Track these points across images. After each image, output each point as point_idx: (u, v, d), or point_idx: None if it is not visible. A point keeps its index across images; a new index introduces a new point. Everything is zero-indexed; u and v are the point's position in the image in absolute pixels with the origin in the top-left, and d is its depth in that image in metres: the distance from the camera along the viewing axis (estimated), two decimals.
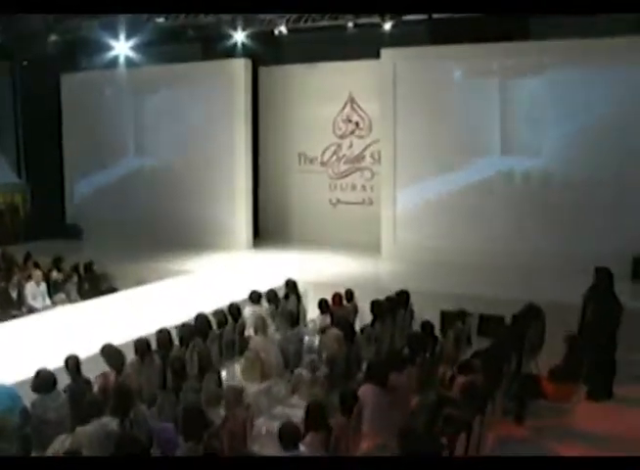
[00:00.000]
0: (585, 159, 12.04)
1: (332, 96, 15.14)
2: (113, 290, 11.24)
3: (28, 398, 5.81)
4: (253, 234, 15.21)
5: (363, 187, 15.27)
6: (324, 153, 15.52)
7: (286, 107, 15.59)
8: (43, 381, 5.79)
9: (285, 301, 9.46)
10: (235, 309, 8.35)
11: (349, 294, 9.53)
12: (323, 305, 8.87)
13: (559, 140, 12.23)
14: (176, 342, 7.35)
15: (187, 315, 8.88)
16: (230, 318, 8.21)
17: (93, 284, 11.28)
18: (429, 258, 12.93)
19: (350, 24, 13.44)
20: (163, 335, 7.13)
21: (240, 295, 10.15)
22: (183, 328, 7.64)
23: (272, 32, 13.97)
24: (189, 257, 13.56)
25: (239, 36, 13.91)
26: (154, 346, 7.05)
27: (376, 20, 13.32)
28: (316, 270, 12.29)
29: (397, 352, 7.10)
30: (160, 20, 14.36)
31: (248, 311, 8.87)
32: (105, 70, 14.90)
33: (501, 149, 12.80)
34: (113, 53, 14.32)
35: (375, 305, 8.55)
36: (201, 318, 7.77)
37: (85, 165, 16.11)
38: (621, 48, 11.58)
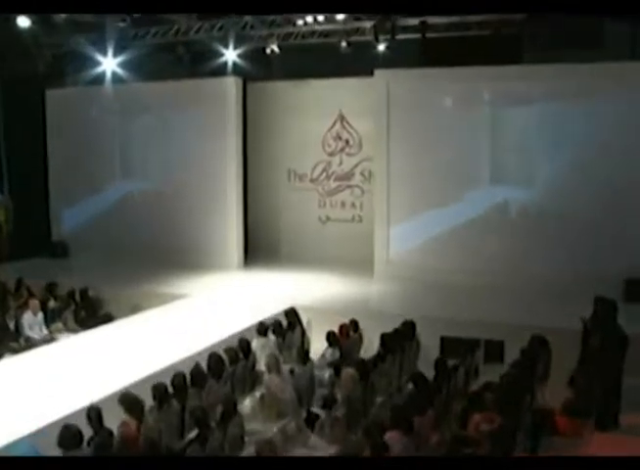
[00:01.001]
0: (577, 187, 12.19)
1: (321, 113, 15.12)
2: (109, 317, 11.07)
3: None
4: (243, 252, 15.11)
5: (353, 205, 15.27)
6: (314, 170, 15.49)
7: (275, 123, 15.50)
8: (69, 437, 5.67)
9: (290, 332, 9.41)
10: (245, 345, 8.30)
11: (354, 324, 9.55)
12: (331, 338, 8.85)
13: (553, 165, 12.35)
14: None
15: (194, 348, 8.87)
16: (241, 354, 8.15)
17: (90, 311, 11.09)
18: (421, 277, 12.97)
19: (344, 44, 13.45)
20: (179, 379, 7.03)
21: (242, 322, 10.15)
22: (196, 368, 7.56)
23: (264, 50, 13.90)
24: (182, 279, 13.38)
25: (230, 54, 13.82)
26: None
27: (369, 38, 13.38)
28: (311, 294, 12.21)
29: (419, 395, 7.08)
30: (149, 36, 14.27)
31: (255, 344, 8.81)
32: (91, 87, 14.65)
33: (491, 176, 12.92)
34: (100, 69, 14.15)
35: (385, 339, 8.55)
36: (214, 358, 7.68)
37: (71, 183, 15.79)
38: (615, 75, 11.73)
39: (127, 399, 6.50)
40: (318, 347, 9.92)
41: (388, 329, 9.85)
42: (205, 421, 6.27)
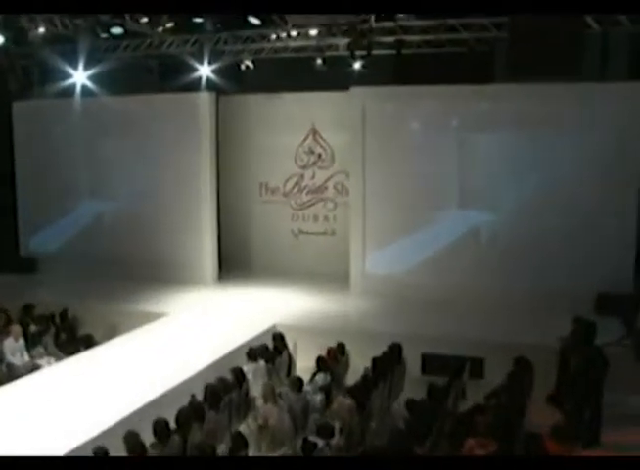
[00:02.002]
0: (551, 206, 12.51)
1: (294, 127, 15.18)
2: (90, 339, 10.97)
3: None
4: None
5: (325, 218, 15.40)
6: (286, 183, 15.55)
7: (246, 136, 15.51)
8: None
9: (279, 356, 9.51)
10: (239, 373, 8.36)
11: (341, 347, 9.67)
12: (321, 363, 8.97)
13: (525, 183, 12.68)
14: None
15: (184, 374, 8.90)
16: (235, 381, 8.22)
17: (69, 334, 10.98)
18: (397, 292, 13.14)
19: (319, 61, 13.54)
20: (182, 415, 7.06)
21: (228, 344, 10.21)
22: (192, 400, 7.61)
23: (238, 66, 13.91)
24: (158, 295, 13.34)
25: (204, 69, 13.78)
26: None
27: (344, 53, 13.51)
28: (291, 312, 12.28)
29: (417, 424, 7.25)
30: (121, 49, 14.14)
31: (246, 369, 8.87)
32: (62, 100, 14.41)
33: (464, 193, 13.16)
34: (70, 82, 13.92)
35: (377, 363, 8.72)
36: (210, 389, 7.73)
37: (40, 197, 15.54)
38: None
39: (132, 440, 6.50)
40: (302, 365, 10.12)
41: (372, 348, 10.09)
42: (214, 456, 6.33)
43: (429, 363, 10.87)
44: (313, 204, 15.43)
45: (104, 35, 11.21)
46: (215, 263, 14.73)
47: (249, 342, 10.39)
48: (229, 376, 8.28)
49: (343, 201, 14.99)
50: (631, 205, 12.22)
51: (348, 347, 10.11)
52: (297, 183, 15.49)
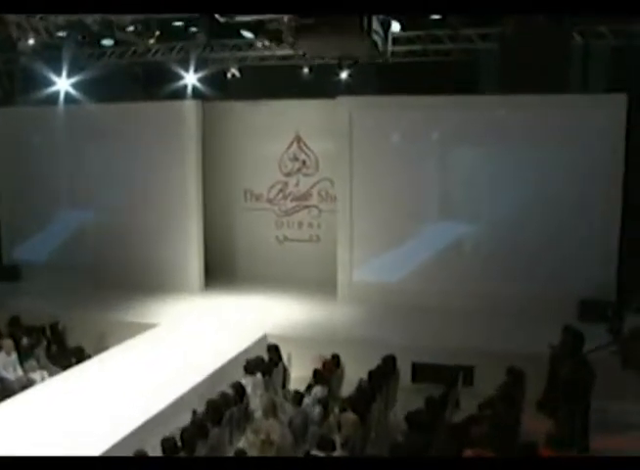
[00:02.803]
0: (535, 217, 12.83)
1: (278, 133, 15.26)
2: (80, 350, 10.96)
3: None
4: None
5: (310, 224, 15.54)
6: (270, 190, 15.65)
7: (231, 143, 15.55)
8: None
9: (275, 368, 9.64)
10: (239, 387, 8.47)
11: (336, 359, 9.82)
12: (318, 376, 9.12)
13: (514, 194, 12.96)
14: None
15: (182, 388, 8.98)
16: (236, 396, 8.33)
17: (61, 346, 10.98)
18: (384, 299, 13.35)
19: (306, 70, 13.66)
20: (187, 433, 7.16)
21: (222, 356, 10.30)
22: (195, 417, 7.72)
23: (224, 74, 13.97)
24: (144, 305, 13.36)
25: (190, 78, 13.82)
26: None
27: (331, 62, 13.63)
28: (280, 321, 12.41)
29: (418, 438, 7.44)
30: (105, 56, 14.11)
31: (244, 383, 8.97)
32: (44, 107, 14.35)
33: (446, 205, 13.43)
34: (53, 89, 13.86)
35: (374, 376, 8.89)
36: (212, 405, 7.83)
37: (24, 205, 15.44)
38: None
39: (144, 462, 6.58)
40: (294, 375, 10.27)
41: (363, 358, 10.28)
42: None
43: (419, 372, 11.07)
44: (298, 211, 15.55)
45: (92, 47, 11.15)
46: (201, 271, 14.78)
47: (241, 353, 10.52)
48: (229, 390, 8.37)
49: (328, 208, 15.16)
50: (614, 211, 12.55)
51: (340, 356, 10.26)
52: (281, 190, 15.60)
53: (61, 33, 10.88)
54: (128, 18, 10.42)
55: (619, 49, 12.21)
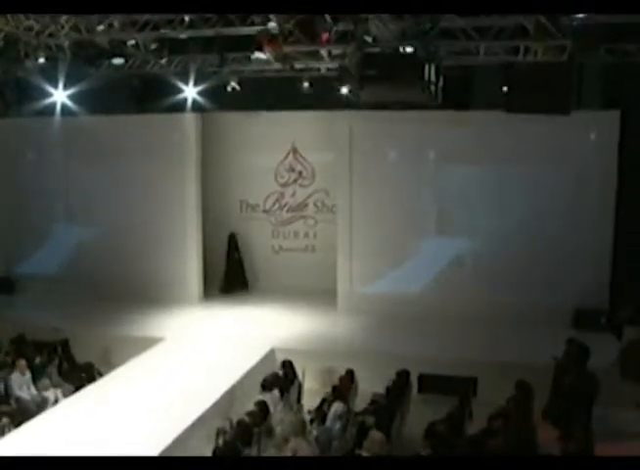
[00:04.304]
0: (529, 229, 13.36)
1: (274, 145, 15.63)
2: (90, 366, 11.20)
3: None
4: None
5: (306, 234, 15.90)
6: (266, 200, 15.96)
7: (227, 153, 15.86)
8: None
9: (290, 384, 9.98)
10: (264, 406, 8.78)
11: (351, 374, 10.19)
12: (337, 393, 9.48)
13: (510, 206, 13.48)
14: None
15: (201, 408, 9.22)
16: (260, 414, 8.64)
17: (71, 363, 11.18)
18: (384, 309, 13.70)
19: (306, 84, 13.89)
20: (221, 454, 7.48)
21: (234, 371, 10.58)
22: (224, 438, 8.03)
23: (225, 87, 14.14)
24: (147, 317, 13.61)
25: (189, 91, 13.96)
26: None
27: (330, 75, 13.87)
28: (285, 333, 12.76)
29: (441, 451, 7.84)
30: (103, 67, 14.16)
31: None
32: (40, 119, 14.42)
33: (446, 216, 13.84)
34: (49, 101, 13.91)
35: (391, 392, 9.29)
36: (242, 425, 8.14)
37: (18, 216, 15.51)
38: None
39: None
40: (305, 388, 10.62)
41: (372, 370, 10.70)
42: None
43: (426, 383, 11.49)
44: (294, 221, 15.89)
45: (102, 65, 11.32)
46: (201, 282, 15.06)
47: (252, 369, 10.85)
48: (255, 408, 8.67)
49: (324, 218, 15.53)
50: (607, 223, 13.13)
51: (346, 367, 10.60)
52: (277, 200, 15.92)
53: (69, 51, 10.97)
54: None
55: (612, 66, 12.66)
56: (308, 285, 15.29)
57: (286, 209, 15.92)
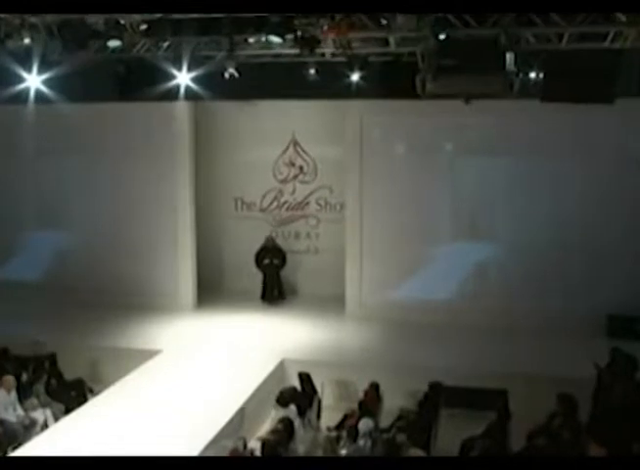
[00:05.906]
0: (561, 231, 12.93)
1: (273, 137, 15.06)
2: (80, 383, 10.61)
3: None
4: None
5: (308, 235, 15.39)
6: (263, 198, 15.44)
7: (221, 146, 15.27)
8: None
9: (310, 399, 9.53)
10: (288, 423, 8.34)
11: (376, 387, 9.75)
12: (364, 408, 9.06)
13: (538, 207, 13.07)
14: None
15: (216, 427, 8.75)
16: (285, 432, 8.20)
17: (59, 379, 10.56)
18: (398, 317, 13.24)
19: (312, 71, 13.42)
20: None
21: (245, 387, 10.12)
22: None
23: (222, 74, 13.62)
24: (139, 327, 13.05)
25: (182, 77, 13.42)
26: None
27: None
28: (292, 343, 12.30)
29: None
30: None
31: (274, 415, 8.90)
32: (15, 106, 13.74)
33: (464, 215, 13.47)
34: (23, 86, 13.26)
35: (425, 406, 8.90)
36: (269, 444, 7.70)
37: None
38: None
39: None
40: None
41: (391, 382, 10.28)
42: None
43: (450, 397, 11.06)
44: (294, 220, 15.39)
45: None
46: (194, 289, 14.48)
47: (264, 383, 10.43)
48: (279, 426, 8.24)
49: (327, 217, 15.06)
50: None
51: (365, 380, 10.16)
52: (275, 198, 15.41)
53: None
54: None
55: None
56: (312, 290, 14.93)
57: (285, 207, 15.40)
